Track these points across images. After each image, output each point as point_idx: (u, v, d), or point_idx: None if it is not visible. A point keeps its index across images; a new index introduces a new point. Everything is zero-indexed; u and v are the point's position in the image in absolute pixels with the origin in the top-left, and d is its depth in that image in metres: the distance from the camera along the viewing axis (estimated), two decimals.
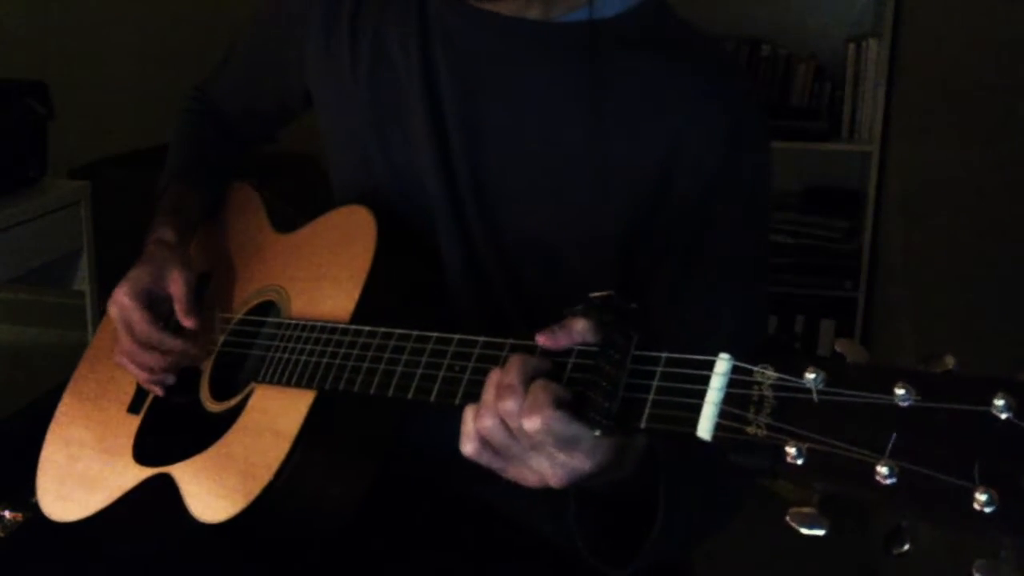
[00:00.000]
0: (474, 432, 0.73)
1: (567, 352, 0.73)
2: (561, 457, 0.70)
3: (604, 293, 0.72)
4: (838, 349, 0.60)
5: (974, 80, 2.66)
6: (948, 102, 2.68)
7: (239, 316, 1.07)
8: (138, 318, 1.03)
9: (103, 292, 2.49)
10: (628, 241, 0.95)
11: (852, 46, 2.82)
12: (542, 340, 0.73)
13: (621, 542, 0.80)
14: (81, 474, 1.06)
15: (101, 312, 2.54)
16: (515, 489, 0.93)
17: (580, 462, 0.70)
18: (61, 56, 3.01)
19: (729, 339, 0.92)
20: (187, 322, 1.04)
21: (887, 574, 2.03)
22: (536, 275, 0.99)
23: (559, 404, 0.69)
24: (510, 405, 0.70)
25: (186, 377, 1.06)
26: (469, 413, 0.74)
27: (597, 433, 0.68)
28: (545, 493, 0.75)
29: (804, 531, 0.56)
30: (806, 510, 0.55)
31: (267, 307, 1.05)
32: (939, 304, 2.74)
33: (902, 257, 2.74)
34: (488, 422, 0.72)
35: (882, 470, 0.51)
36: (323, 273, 1.00)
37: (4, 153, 2.31)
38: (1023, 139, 2.51)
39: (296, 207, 1.16)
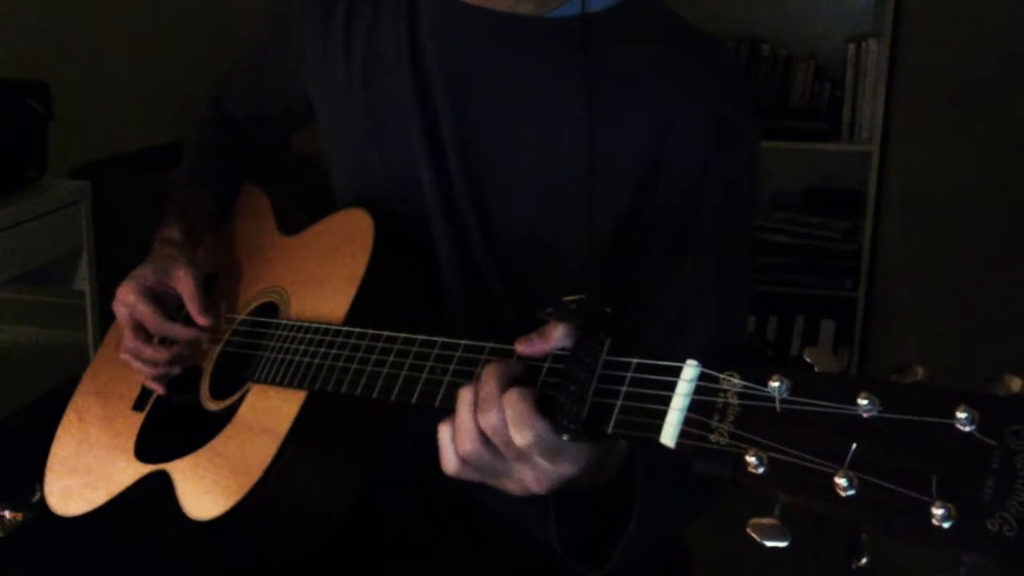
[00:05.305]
0: (455, 456, 0.72)
1: (543, 357, 0.72)
2: (547, 466, 0.69)
3: (576, 297, 0.71)
4: (807, 358, 0.59)
5: (974, 80, 2.65)
6: (948, 102, 2.67)
7: (241, 317, 1.08)
8: (146, 312, 1.03)
9: (103, 292, 2.50)
10: (619, 234, 0.95)
11: (852, 46, 2.80)
12: (520, 348, 0.73)
13: (598, 542, 0.79)
14: (85, 469, 1.06)
15: (101, 312, 2.54)
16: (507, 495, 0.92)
17: (565, 468, 0.69)
18: (61, 56, 3.01)
19: (707, 334, 0.92)
20: (202, 320, 1.04)
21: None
22: (531, 272, 0.99)
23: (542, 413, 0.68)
24: (493, 419, 0.69)
25: (189, 377, 1.06)
26: (445, 433, 0.73)
27: (565, 438, 0.67)
28: (534, 496, 0.74)
29: (767, 543, 0.55)
30: (767, 521, 0.54)
31: (269, 308, 1.05)
32: (939, 304, 2.73)
33: (902, 257, 2.73)
34: (469, 446, 0.70)
35: (841, 481, 0.50)
36: (321, 275, 1.00)
37: (4, 153, 2.32)
38: (1023, 139, 2.50)
39: (304, 209, 1.16)
